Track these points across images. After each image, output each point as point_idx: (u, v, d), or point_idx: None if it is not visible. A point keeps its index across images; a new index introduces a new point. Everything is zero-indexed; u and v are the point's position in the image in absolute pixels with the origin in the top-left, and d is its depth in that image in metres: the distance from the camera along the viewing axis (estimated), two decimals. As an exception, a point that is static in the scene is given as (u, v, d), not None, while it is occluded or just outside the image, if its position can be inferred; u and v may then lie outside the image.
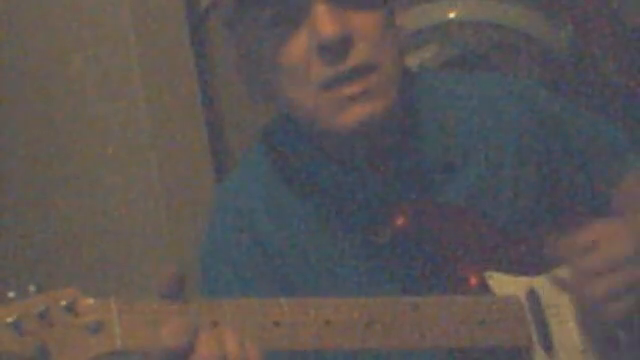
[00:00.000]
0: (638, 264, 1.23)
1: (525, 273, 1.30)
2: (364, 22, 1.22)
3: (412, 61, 2.22)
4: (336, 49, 1.20)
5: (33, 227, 2.44)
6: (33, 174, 2.45)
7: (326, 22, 1.19)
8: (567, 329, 1.28)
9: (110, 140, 2.31)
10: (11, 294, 0.95)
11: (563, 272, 1.29)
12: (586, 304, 1.25)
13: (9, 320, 0.93)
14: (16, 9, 2.41)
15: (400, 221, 1.27)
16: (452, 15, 2.32)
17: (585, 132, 1.46)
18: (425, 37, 2.30)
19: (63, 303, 0.97)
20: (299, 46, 1.22)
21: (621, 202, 1.41)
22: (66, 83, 2.36)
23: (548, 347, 1.25)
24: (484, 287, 1.26)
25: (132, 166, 2.29)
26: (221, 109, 2.47)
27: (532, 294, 1.27)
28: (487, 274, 1.27)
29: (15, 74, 2.44)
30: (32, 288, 0.96)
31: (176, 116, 2.32)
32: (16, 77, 2.44)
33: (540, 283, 1.29)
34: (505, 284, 1.27)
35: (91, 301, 0.99)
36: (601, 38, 2.34)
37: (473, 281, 1.26)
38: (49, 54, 2.38)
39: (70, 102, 2.37)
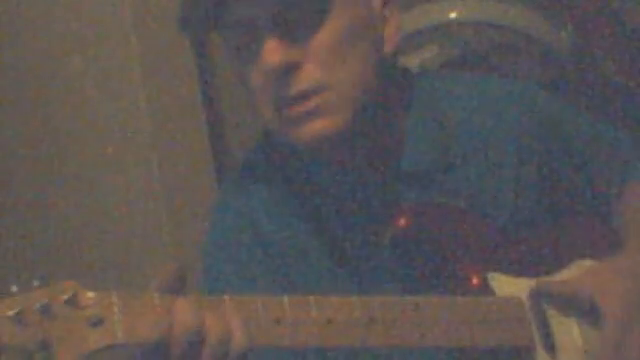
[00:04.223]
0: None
1: (526, 274, 1.30)
2: (316, 46, 1.24)
3: (412, 61, 2.22)
4: (279, 77, 1.23)
5: (33, 227, 2.44)
6: (33, 174, 2.45)
7: (268, 53, 1.22)
8: (569, 329, 1.28)
9: (110, 140, 2.30)
10: (14, 288, 0.95)
11: (564, 276, 1.31)
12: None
13: (11, 313, 0.94)
14: (16, 9, 2.41)
15: (401, 222, 1.27)
16: (452, 15, 2.32)
17: (585, 132, 1.46)
18: (425, 37, 2.30)
19: (65, 296, 0.97)
20: (257, 71, 1.25)
21: (623, 219, 1.42)
22: (66, 83, 2.36)
23: (550, 347, 1.25)
24: (486, 288, 1.26)
25: (132, 166, 2.29)
26: (221, 109, 2.46)
27: (533, 295, 1.27)
28: (489, 275, 1.27)
29: (15, 74, 2.44)
30: (35, 283, 0.96)
31: (176, 116, 2.32)
32: (16, 77, 2.44)
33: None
34: (506, 285, 1.27)
35: (92, 294, 0.99)
36: (601, 38, 2.34)
37: (475, 281, 1.26)
38: (49, 54, 2.38)
39: (70, 102, 2.36)
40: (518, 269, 1.31)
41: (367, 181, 1.33)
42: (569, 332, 1.28)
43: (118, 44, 2.28)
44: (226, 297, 1.07)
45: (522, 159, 1.38)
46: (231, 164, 2.38)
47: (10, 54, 2.44)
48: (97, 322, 0.98)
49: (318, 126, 1.24)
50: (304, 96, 1.23)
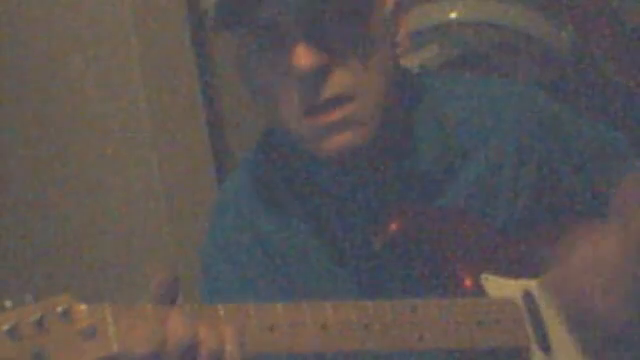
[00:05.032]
0: (624, 267, 1.26)
1: (523, 275, 1.30)
2: (344, 54, 1.23)
3: (412, 61, 2.22)
4: (310, 81, 1.21)
5: (33, 227, 2.45)
6: (33, 174, 2.45)
7: (300, 56, 1.20)
8: (564, 330, 1.28)
9: (110, 140, 2.31)
10: (8, 303, 0.95)
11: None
12: (572, 304, 1.27)
13: (5, 327, 0.94)
14: (16, 9, 2.41)
15: (397, 224, 1.27)
16: (453, 15, 2.32)
17: (584, 133, 1.46)
18: (425, 37, 2.30)
19: (59, 309, 0.97)
20: (284, 73, 1.23)
21: (618, 205, 1.41)
22: (66, 83, 2.36)
23: (546, 348, 1.26)
24: (479, 289, 1.26)
25: (132, 166, 2.30)
26: (222, 109, 2.47)
27: (528, 296, 1.28)
28: (482, 276, 1.27)
29: (15, 74, 2.45)
30: (29, 297, 0.97)
31: (176, 116, 2.32)
32: (16, 77, 2.45)
33: (536, 285, 1.29)
34: (501, 286, 1.27)
35: (85, 307, 0.99)
36: (601, 38, 2.34)
37: (468, 283, 1.26)
38: (49, 54, 2.38)
39: (70, 102, 2.37)
40: (517, 270, 1.30)
41: (367, 182, 1.33)
42: (565, 332, 1.28)
43: (118, 44, 2.29)
44: (220, 306, 1.07)
45: (522, 159, 1.38)
46: (231, 164, 2.38)
47: (10, 54, 2.45)
48: (91, 334, 0.98)
49: (347, 137, 1.23)
50: (334, 104, 1.22)
